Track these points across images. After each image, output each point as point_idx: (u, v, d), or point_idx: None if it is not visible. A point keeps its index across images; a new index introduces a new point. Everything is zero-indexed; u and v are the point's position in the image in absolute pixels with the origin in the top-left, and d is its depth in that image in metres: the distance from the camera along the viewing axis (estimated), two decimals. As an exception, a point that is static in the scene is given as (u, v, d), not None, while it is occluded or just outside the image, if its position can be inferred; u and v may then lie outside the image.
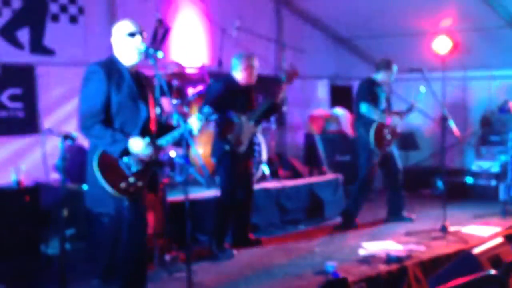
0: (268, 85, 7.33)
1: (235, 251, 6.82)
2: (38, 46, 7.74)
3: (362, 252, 6.80)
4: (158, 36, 8.71)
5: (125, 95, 4.91)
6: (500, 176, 10.15)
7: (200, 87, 8.50)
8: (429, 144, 11.62)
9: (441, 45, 10.01)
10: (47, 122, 7.71)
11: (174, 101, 7.96)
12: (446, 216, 7.69)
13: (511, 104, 10.44)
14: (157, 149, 5.00)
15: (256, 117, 6.87)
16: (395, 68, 8.19)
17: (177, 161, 7.84)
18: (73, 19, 8.02)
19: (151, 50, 4.97)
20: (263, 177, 8.62)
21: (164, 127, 5.26)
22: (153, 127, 5.11)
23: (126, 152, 4.80)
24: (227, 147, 6.64)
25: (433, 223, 7.99)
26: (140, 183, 4.90)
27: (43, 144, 5.98)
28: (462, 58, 10.28)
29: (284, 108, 10.13)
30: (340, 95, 11.89)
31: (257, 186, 7.97)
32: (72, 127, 7.14)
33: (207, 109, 5.18)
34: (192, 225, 5.07)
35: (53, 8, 7.85)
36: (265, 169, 8.67)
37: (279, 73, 9.61)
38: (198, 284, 5.46)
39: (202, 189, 7.76)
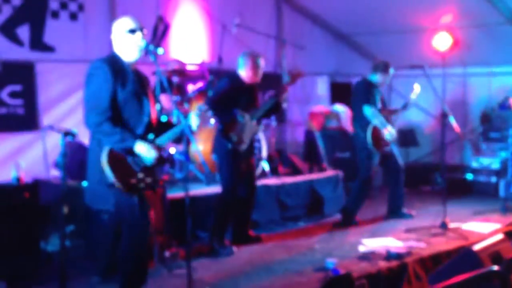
0: (267, 81, 7.32)
1: (235, 248, 6.82)
2: (38, 43, 7.73)
3: (362, 248, 6.80)
4: (158, 33, 8.71)
5: (130, 91, 4.92)
6: (500, 173, 10.15)
7: (200, 84, 8.50)
8: (429, 140, 11.63)
9: (441, 41, 10.01)
10: (47, 119, 7.71)
11: (174, 98, 7.95)
12: (446, 212, 7.69)
13: (511, 100, 10.43)
14: (159, 149, 5.01)
15: (259, 116, 6.88)
16: (392, 71, 8.18)
17: (177, 158, 7.86)
18: (73, 16, 8.02)
19: (151, 47, 4.98)
20: (263, 174, 8.62)
21: (163, 124, 5.27)
22: (154, 124, 5.12)
23: (132, 150, 4.82)
24: (229, 146, 6.64)
25: (433, 219, 7.99)
26: (148, 179, 4.93)
27: (43, 140, 5.99)
28: (462, 55, 10.27)
29: (284, 105, 10.12)
30: (340, 92, 11.87)
31: (257, 183, 7.98)
32: (72, 124, 7.16)
33: (203, 106, 5.18)
34: (192, 222, 5.07)
35: (53, 5, 7.84)
36: (265, 165, 8.67)
37: (282, 72, 9.60)
38: (198, 280, 5.46)
39: (202, 185, 7.77)
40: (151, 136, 4.93)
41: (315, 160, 9.92)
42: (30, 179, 6.84)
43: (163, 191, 6.46)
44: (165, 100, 7.91)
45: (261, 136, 8.44)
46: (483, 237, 6.53)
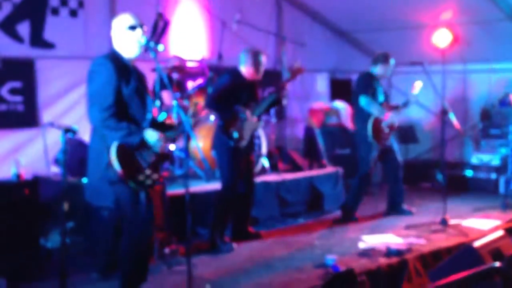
0: (267, 78, 7.32)
1: (235, 245, 6.82)
2: (38, 40, 7.73)
3: (362, 245, 6.80)
4: (158, 30, 8.70)
5: (133, 88, 4.92)
6: (500, 169, 10.16)
7: (200, 81, 8.49)
8: (429, 137, 11.63)
9: (441, 38, 9.99)
10: (46, 116, 7.71)
11: (175, 95, 7.94)
12: (446, 209, 7.69)
13: (511, 97, 10.44)
14: (167, 141, 5.02)
15: (259, 112, 6.87)
16: (392, 61, 8.19)
17: (176, 155, 7.86)
18: (73, 13, 8.01)
19: (152, 43, 4.98)
20: (263, 170, 8.62)
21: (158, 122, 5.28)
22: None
23: (140, 144, 4.82)
24: (231, 143, 6.63)
25: (433, 216, 7.99)
26: (155, 176, 4.93)
27: (43, 137, 5.98)
28: (462, 51, 10.26)
29: (284, 102, 10.11)
30: (339, 88, 11.87)
31: (257, 179, 7.97)
32: (71, 121, 7.17)
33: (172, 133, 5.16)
34: (192, 218, 5.07)
35: (53, 1, 7.83)
36: (265, 162, 8.67)
37: (282, 68, 9.60)
38: (198, 277, 5.46)
39: (202, 182, 7.77)
40: (158, 132, 4.94)
41: (315, 156, 9.92)
42: (30, 176, 6.86)
43: (163, 188, 6.46)
44: (166, 96, 7.91)
45: (261, 132, 8.44)
46: (483, 234, 6.53)
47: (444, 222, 7.62)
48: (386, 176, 8.75)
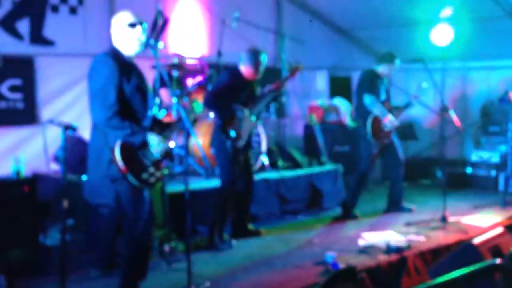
0: (267, 76, 7.31)
1: (234, 242, 6.82)
2: (37, 37, 7.72)
3: (361, 242, 6.81)
4: (158, 27, 8.69)
5: (134, 85, 4.92)
6: (500, 167, 10.17)
7: (199, 78, 8.49)
8: (429, 134, 11.63)
9: (441, 35, 9.98)
10: (46, 113, 7.71)
11: (174, 92, 7.94)
12: (446, 206, 7.70)
13: (511, 94, 10.43)
14: (167, 141, 5.03)
15: (258, 111, 6.87)
16: (398, 62, 8.20)
17: (176, 152, 7.86)
18: (73, 10, 8.00)
19: (152, 41, 4.97)
20: (263, 168, 8.62)
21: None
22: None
23: (142, 144, 4.82)
24: (228, 143, 6.62)
25: (433, 213, 8.01)
26: (158, 174, 4.94)
27: (44, 134, 5.99)
28: (462, 49, 10.25)
29: (284, 99, 10.12)
30: (339, 86, 11.87)
31: (256, 177, 7.98)
32: (71, 118, 7.18)
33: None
34: (192, 216, 5.07)
35: (53, -1, 7.85)
36: (265, 159, 8.67)
37: (282, 66, 9.60)
38: (198, 274, 5.45)
39: (202, 180, 7.77)
40: (158, 136, 4.93)
41: (314, 154, 9.92)
42: (29, 173, 6.85)
43: (163, 185, 6.46)
44: (165, 94, 7.91)
45: (260, 130, 8.44)
46: (483, 231, 6.54)
47: (443, 219, 7.63)
48: (387, 173, 8.76)
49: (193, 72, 8.76)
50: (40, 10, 7.72)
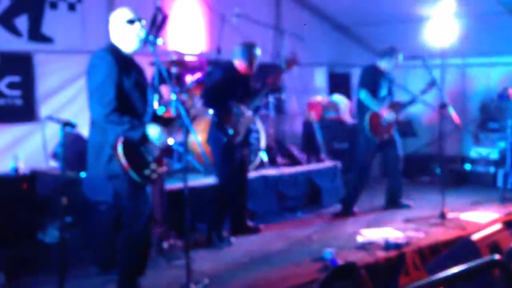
0: (266, 72, 7.31)
1: (233, 239, 6.82)
2: (36, 34, 7.71)
3: (360, 239, 6.81)
4: (157, 24, 8.68)
5: (133, 81, 4.91)
6: (498, 163, 10.16)
7: (198, 75, 8.48)
8: (428, 131, 11.61)
9: (440, 31, 9.98)
10: (45, 110, 7.69)
11: (174, 89, 7.94)
12: (444, 202, 7.70)
13: (510, 91, 10.43)
14: (169, 134, 5.02)
15: (254, 106, 6.85)
16: (400, 57, 8.20)
17: (175, 149, 7.86)
18: (72, 7, 7.99)
19: (151, 37, 4.96)
20: (262, 165, 8.62)
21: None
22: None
23: (143, 139, 4.81)
24: (225, 139, 6.61)
25: (431, 210, 8.01)
26: (160, 170, 4.93)
27: (42, 131, 5.98)
28: (461, 45, 10.25)
29: (283, 96, 10.12)
30: (338, 83, 11.87)
31: (255, 174, 8.00)
32: (69, 115, 7.16)
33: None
34: (191, 213, 5.07)
35: (51, -5, 7.84)
36: (264, 156, 8.67)
37: (281, 62, 9.58)
38: (197, 271, 5.45)
39: (200, 176, 7.77)
40: (160, 127, 4.92)
41: (313, 151, 9.92)
42: (28, 170, 6.86)
43: (162, 182, 6.46)
44: (165, 91, 7.90)
45: (259, 126, 8.44)
46: (481, 227, 6.54)
47: (442, 216, 7.63)
48: (385, 170, 8.76)
49: (192, 69, 8.76)
50: (39, 7, 7.71)
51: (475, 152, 10.66)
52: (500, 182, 9.85)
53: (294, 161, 9.20)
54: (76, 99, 7.80)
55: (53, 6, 7.82)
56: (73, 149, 6.49)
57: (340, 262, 5.77)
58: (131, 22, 4.95)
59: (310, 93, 11.34)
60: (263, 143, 8.52)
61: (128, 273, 5.06)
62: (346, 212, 8.19)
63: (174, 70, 8.09)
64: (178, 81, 8.22)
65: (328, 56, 11.75)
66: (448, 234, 7.00)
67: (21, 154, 6.93)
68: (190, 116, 5.93)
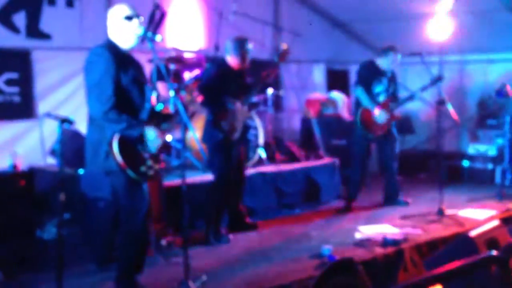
0: (264, 68, 7.31)
1: (231, 236, 6.82)
2: (34, 30, 7.70)
3: (358, 235, 6.82)
4: (155, 21, 8.67)
5: (131, 78, 4.90)
6: (496, 160, 10.18)
7: (196, 71, 8.48)
8: (426, 127, 11.62)
9: (438, 28, 9.98)
10: (43, 107, 7.68)
11: (172, 86, 7.93)
12: (442, 199, 7.71)
13: (508, 87, 10.43)
14: (164, 134, 5.01)
15: (249, 101, 6.82)
16: (399, 56, 8.20)
17: (173, 145, 7.85)
18: (69, 3, 7.97)
19: (149, 34, 4.95)
20: (260, 161, 8.62)
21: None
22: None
23: (140, 138, 4.81)
24: (220, 136, 6.58)
25: (429, 206, 8.01)
26: (156, 166, 4.92)
27: (40, 128, 5.98)
28: (459, 42, 10.25)
29: (281, 92, 10.12)
30: (336, 79, 11.88)
31: (254, 170, 8.00)
32: (67, 111, 7.15)
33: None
34: (189, 209, 5.07)
35: (49, -8, 7.82)
36: (262, 153, 8.67)
37: (273, 54, 9.58)
38: (195, 268, 5.45)
39: (198, 173, 7.76)
40: (154, 131, 4.92)
41: (311, 147, 9.93)
42: (26, 167, 6.85)
43: (160, 179, 6.45)
44: (163, 87, 7.90)
45: (258, 123, 8.44)
46: (479, 224, 6.54)
47: (440, 212, 7.64)
48: (381, 167, 8.77)
49: (190, 66, 8.76)
50: (37, 3, 7.69)
51: (473, 148, 10.67)
52: (498, 178, 9.88)
53: (292, 158, 9.21)
54: (74, 96, 7.79)
55: (51, 2, 7.81)
56: (71, 145, 6.49)
57: (338, 258, 5.76)
58: (129, 18, 4.93)
59: (309, 90, 11.35)
60: (261, 139, 8.52)
61: (126, 270, 5.05)
62: (349, 208, 8.23)
63: (172, 66, 8.09)
64: (176, 78, 8.22)
65: (326, 53, 11.75)
66: (446, 231, 7.00)
67: (19, 150, 6.93)
68: (188, 112, 5.91)
